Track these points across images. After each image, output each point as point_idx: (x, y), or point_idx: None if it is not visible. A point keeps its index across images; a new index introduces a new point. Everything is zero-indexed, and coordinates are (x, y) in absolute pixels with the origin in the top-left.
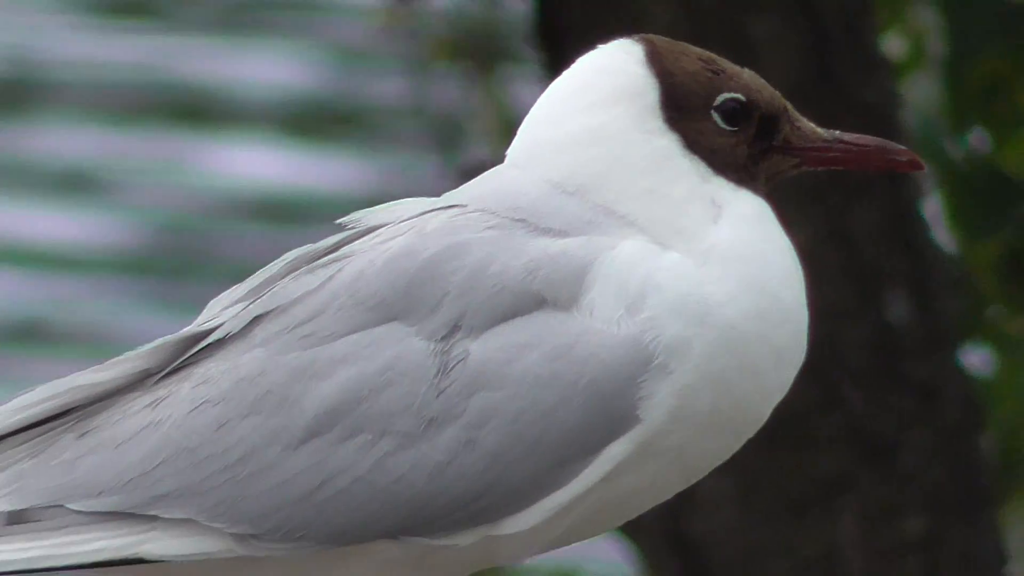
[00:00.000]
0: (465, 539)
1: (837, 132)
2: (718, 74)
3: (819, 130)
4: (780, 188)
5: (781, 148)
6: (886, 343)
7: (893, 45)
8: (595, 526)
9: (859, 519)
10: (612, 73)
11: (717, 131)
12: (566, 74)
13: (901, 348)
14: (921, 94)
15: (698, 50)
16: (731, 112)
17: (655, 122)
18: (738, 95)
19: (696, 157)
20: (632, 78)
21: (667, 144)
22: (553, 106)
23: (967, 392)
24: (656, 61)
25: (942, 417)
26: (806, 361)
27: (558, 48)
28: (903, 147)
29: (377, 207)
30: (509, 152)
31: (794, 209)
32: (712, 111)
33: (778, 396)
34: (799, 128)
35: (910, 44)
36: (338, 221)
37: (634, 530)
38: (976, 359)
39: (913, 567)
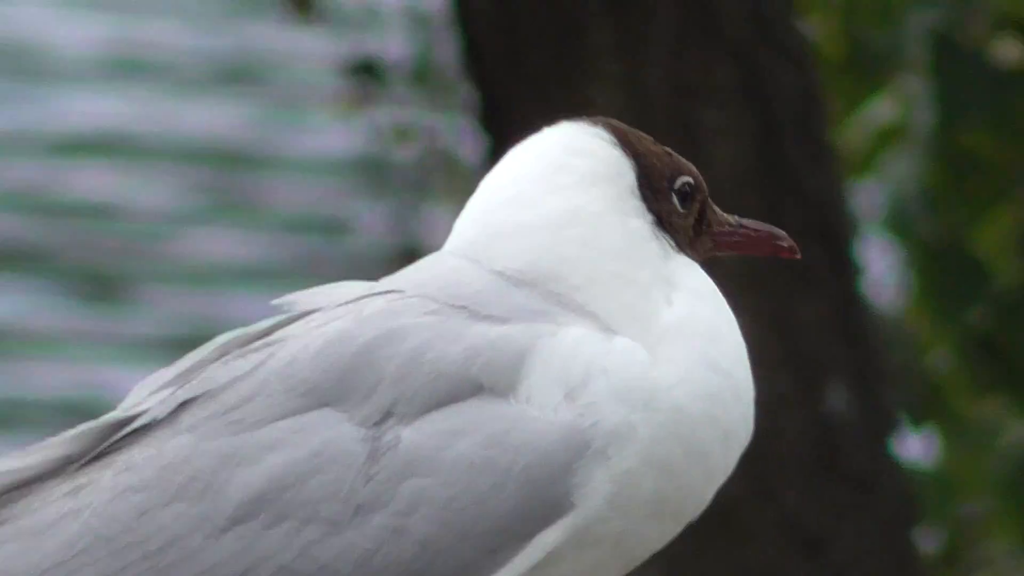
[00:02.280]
0: None
1: (739, 218)
2: (671, 155)
3: (727, 215)
4: (722, 274)
5: (707, 231)
6: (824, 435)
7: (865, 124)
8: None
9: None
10: (585, 154)
11: (676, 212)
12: (526, 155)
13: (838, 440)
14: (900, 169)
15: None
16: (685, 194)
17: (634, 202)
18: (690, 178)
19: (665, 236)
20: (607, 159)
21: (640, 225)
22: (520, 188)
23: (903, 485)
24: (626, 143)
25: (877, 511)
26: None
27: (504, 132)
28: (786, 235)
29: (314, 289)
30: (454, 237)
31: (735, 296)
32: (672, 192)
33: (722, 478)
34: (715, 213)
35: (896, 115)
36: (273, 302)
37: None
38: (922, 447)
39: None
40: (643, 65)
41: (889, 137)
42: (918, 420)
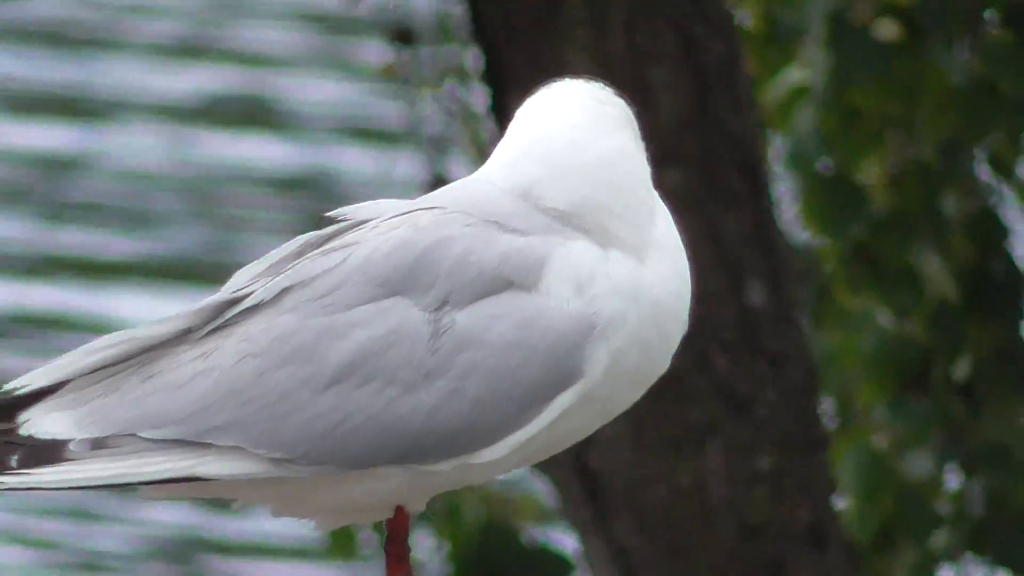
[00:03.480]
0: (447, 466)
1: None
2: None
3: None
4: (669, 196)
5: None
6: (746, 321)
7: (781, 84)
8: (539, 456)
9: (722, 456)
10: (611, 104)
11: None
12: (566, 105)
13: (757, 325)
14: (802, 119)
15: None
16: None
17: (641, 143)
18: None
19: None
20: (625, 108)
21: (647, 161)
22: (573, 134)
23: (808, 362)
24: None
25: (787, 379)
26: (686, 332)
27: (500, 86)
28: None
29: (359, 204)
30: (498, 168)
31: (678, 214)
32: None
33: (671, 357)
34: None
35: (804, 78)
36: (328, 214)
37: (547, 462)
38: (819, 333)
39: (763, 494)
40: (605, 35)
41: (798, 95)
42: (814, 312)
